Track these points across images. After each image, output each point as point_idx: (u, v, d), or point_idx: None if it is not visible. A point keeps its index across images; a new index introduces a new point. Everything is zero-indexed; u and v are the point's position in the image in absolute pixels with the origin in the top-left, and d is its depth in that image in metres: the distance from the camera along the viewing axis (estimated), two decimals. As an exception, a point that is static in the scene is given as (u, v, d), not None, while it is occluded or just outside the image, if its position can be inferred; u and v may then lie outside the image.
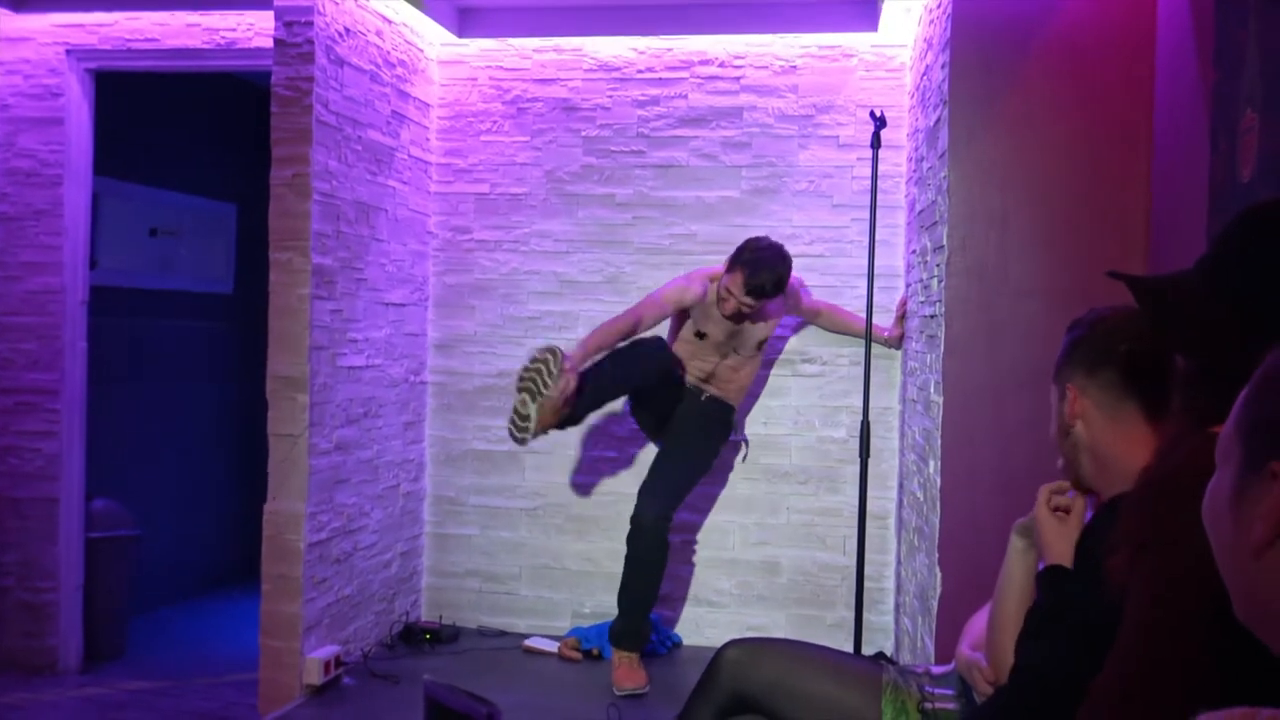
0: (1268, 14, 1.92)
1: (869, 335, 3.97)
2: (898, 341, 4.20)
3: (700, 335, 4.10)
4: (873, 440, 4.13)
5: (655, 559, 3.95)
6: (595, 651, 4.22)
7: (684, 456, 4.08)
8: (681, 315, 4.13)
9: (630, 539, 3.96)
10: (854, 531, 4.06)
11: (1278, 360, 0.89)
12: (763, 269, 3.87)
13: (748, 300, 3.92)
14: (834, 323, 4.36)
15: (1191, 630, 1.21)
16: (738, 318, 4.02)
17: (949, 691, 2.25)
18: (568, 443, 4.59)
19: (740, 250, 3.94)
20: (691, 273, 4.11)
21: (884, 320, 4.22)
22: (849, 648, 3.93)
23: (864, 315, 4.02)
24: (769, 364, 4.47)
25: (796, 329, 4.44)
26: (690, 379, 4.15)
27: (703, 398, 4.15)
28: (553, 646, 4.30)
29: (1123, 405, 1.70)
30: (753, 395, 4.48)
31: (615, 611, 4.03)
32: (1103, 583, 1.59)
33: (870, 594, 4.29)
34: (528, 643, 4.37)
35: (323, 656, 3.74)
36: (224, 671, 4.27)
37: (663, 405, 4.13)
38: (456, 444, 4.69)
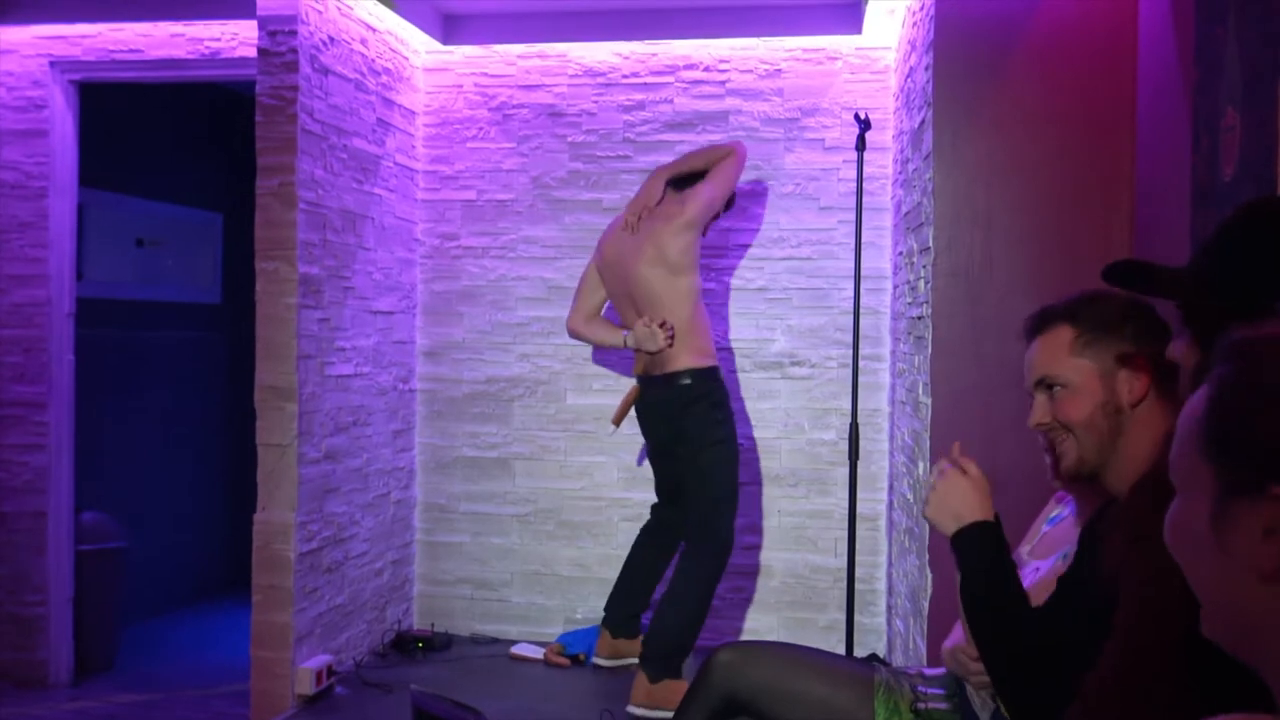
0: (1245, 11, 1.93)
1: (857, 339, 3.98)
2: None
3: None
4: (862, 442, 4.13)
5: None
6: (581, 657, 4.22)
7: (697, 486, 3.86)
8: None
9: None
10: (845, 533, 4.06)
11: (1230, 375, 0.86)
12: None
13: None
14: None
15: (1181, 629, 1.21)
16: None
17: (941, 692, 2.26)
18: (557, 448, 4.59)
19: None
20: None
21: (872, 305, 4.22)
22: (842, 650, 3.93)
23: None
24: (760, 367, 4.47)
25: (786, 330, 4.45)
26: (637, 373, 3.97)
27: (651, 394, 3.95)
28: (539, 653, 4.29)
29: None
30: (741, 398, 4.48)
31: (605, 616, 4.06)
32: (1098, 564, 1.60)
33: (862, 596, 4.29)
34: (515, 649, 4.36)
35: (314, 666, 3.73)
36: (215, 683, 4.25)
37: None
38: (446, 451, 4.68)
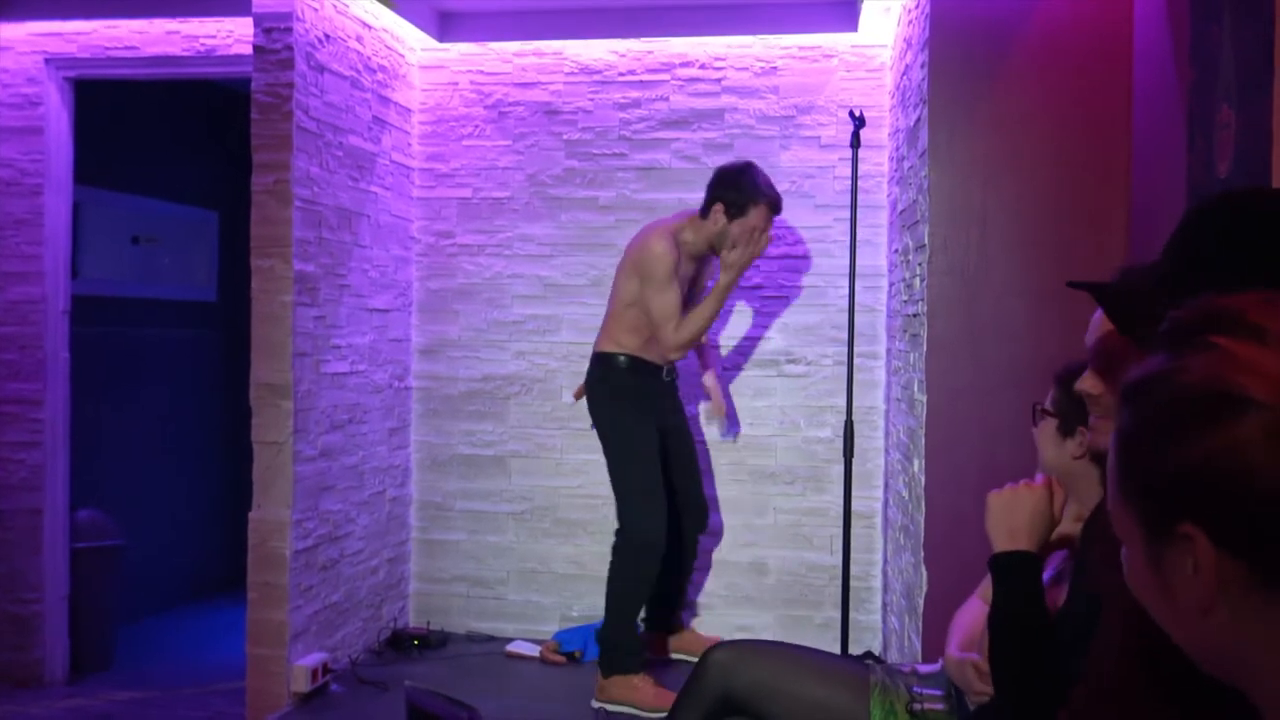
0: (1240, 9, 1.93)
1: (851, 337, 3.97)
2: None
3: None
4: (858, 440, 4.13)
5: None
6: (577, 654, 4.22)
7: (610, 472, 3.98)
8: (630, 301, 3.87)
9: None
10: (841, 531, 4.07)
11: (1130, 425, 0.85)
12: (765, 183, 3.79)
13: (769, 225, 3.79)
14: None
15: (1166, 636, 1.21)
16: (699, 264, 3.94)
17: (937, 692, 2.26)
18: (554, 446, 4.58)
19: (731, 185, 3.77)
20: (645, 249, 3.78)
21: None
22: (837, 648, 3.94)
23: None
24: (756, 365, 4.47)
25: (781, 328, 4.45)
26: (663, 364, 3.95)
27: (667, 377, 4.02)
28: (535, 651, 4.30)
29: None
30: (737, 395, 4.48)
31: (602, 615, 4.06)
32: (1086, 575, 1.60)
33: (857, 593, 4.30)
34: (510, 647, 4.36)
35: (310, 664, 3.73)
36: (211, 680, 4.25)
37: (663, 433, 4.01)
38: (442, 449, 4.68)
